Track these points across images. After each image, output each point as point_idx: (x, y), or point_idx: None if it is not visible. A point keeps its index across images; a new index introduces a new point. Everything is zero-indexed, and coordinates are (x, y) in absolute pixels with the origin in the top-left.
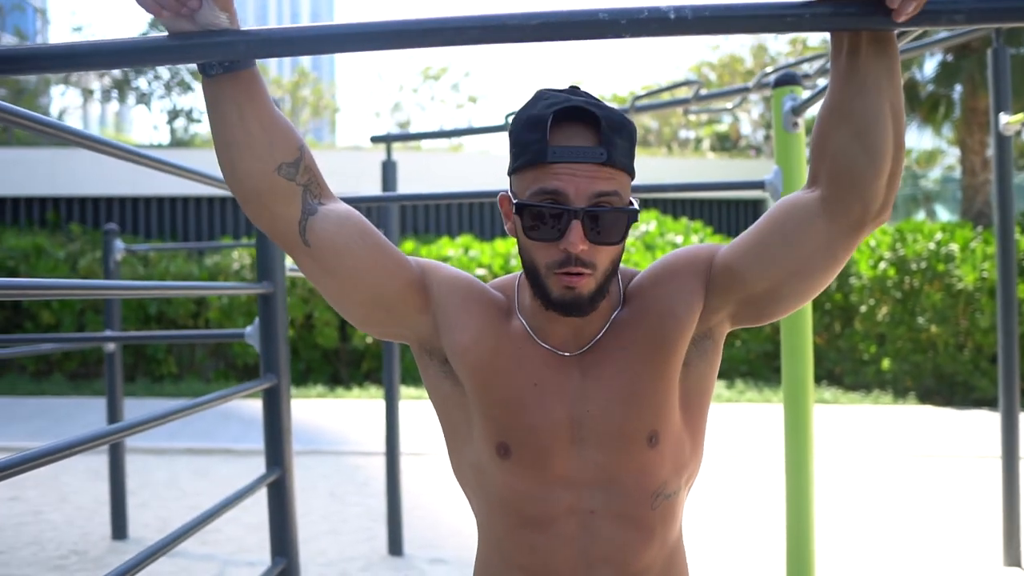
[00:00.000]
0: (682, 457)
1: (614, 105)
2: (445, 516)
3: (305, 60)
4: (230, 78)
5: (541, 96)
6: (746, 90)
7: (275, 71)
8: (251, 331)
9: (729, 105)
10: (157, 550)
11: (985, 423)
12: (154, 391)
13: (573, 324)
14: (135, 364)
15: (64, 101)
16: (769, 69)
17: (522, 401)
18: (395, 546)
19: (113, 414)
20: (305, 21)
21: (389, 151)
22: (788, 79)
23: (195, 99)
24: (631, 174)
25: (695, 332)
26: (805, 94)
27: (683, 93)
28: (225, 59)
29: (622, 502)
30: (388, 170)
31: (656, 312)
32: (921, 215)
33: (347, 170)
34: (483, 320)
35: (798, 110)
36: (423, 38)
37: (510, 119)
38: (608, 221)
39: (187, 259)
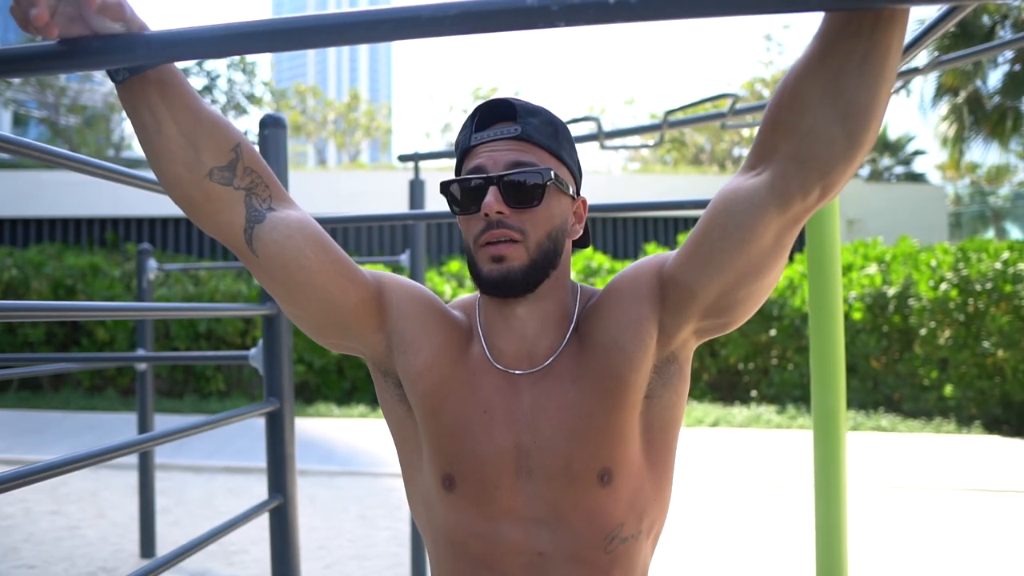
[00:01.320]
0: (642, 498)
1: (653, 121)
2: None
3: (363, 82)
4: (139, 81)
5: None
6: None
7: (333, 93)
8: (255, 353)
9: None
10: (159, 566)
11: None
12: (200, 408)
13: (525, 333)
14: (185, 381)
15: (130, 126)
16: None
17: (470, 429)
18: (418, 573)
19: (143, 431)
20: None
21: (417, 170)
22: None
23: (251, 122)
24: (555, 154)
25: (656, 360)
26: None
27: (720, 107)
28: (126, 65)
29: (572, 543)
30: (415, 189)
31: (603, 346)
32: (990, 233)
33: (399, 189)
34: (440, 343)
35: None
36: (333, 36)
37: None
38: (523, 183)
39: (236, 278)
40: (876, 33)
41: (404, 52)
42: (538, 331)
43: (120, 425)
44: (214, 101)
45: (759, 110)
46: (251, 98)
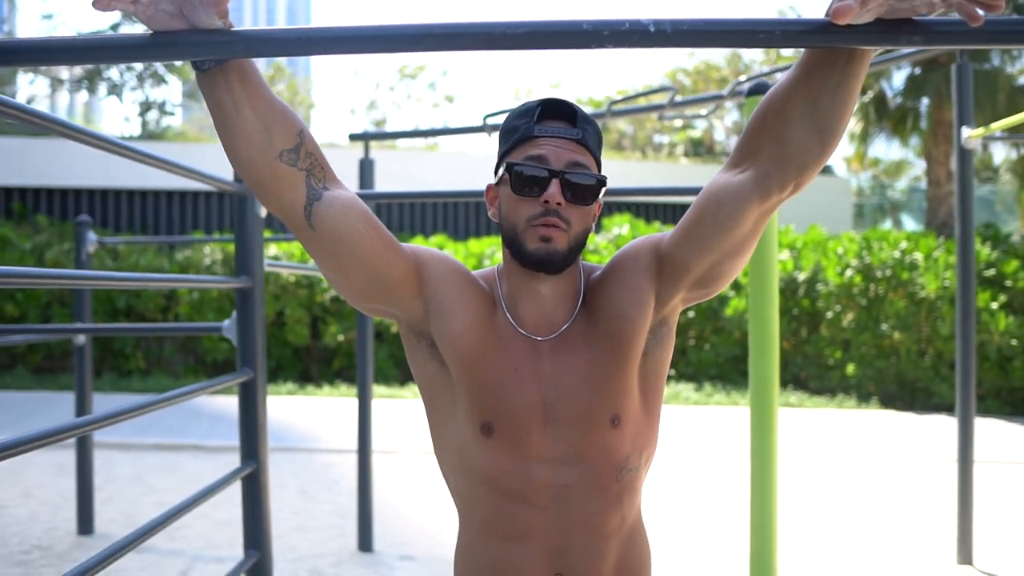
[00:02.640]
0: (642, 436)
1: (590, 109)
2: (415, 514)
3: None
4: (220, 69)
5: (528, 103)
6: (720, 97)
7: None
8: (228, 325)
9: (703, 112)
10: (126, 544)
11: (944, 428)
12: (121, 386)
13: (545, 305)
14: (102, 359)
15: (32, 89)
16: (743, 78)
17: (504, 385)
18: (365, 543)
19: (82, 408)
20: (281, 21)
21: (367, 149)
22: (761, 88)
23: (168, 92)
24: (599, 163)
25: (652, 323)
26: None
27: (658, 99)
28: (224, 57)
29: (591, 475)
30: (365, 168)
31: (611, 313)
32: (888, 224)
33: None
34: (473, 310)
35: None
36: (416, 43)
37: (488, 120)
38: (581, 184)
39: (158, 253)
40: (849, 66)
41: (324, 20)
42: (555, 304)
43: (37, 405)
44: (130, 68)
45: (695, 103)
46: (170, 68)
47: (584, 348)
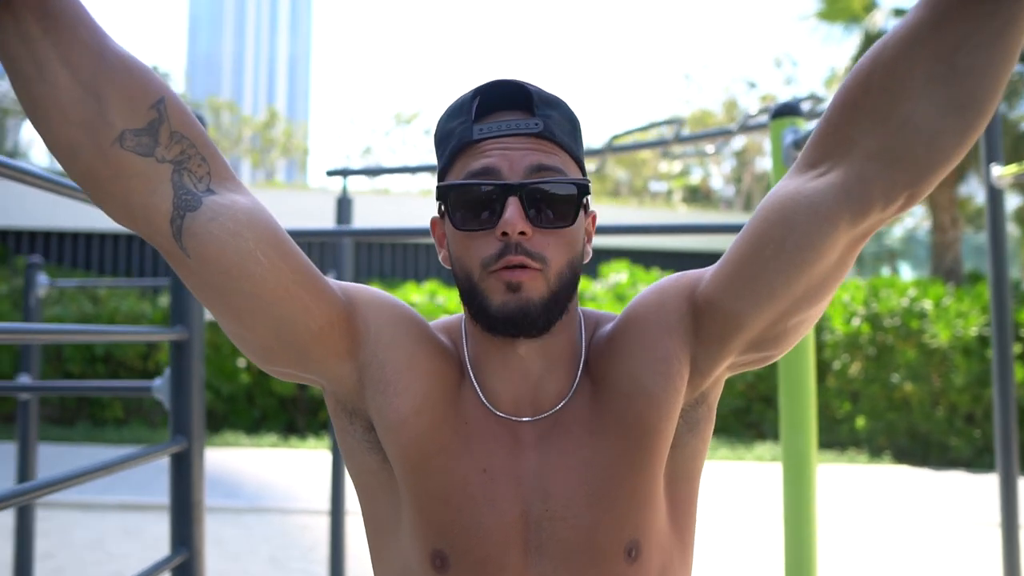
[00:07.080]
0: (671, 568)
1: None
2: None
3: (280, 100)
4: (6, 7)
5: (463, 96)
6: (728, 132)
7: (249, 109)
8: (160, 384)
9: (710, 149)
10: None
11: (962, 484)
12: (94, 436)
13: (528, 372)
14: (77, 407)
15: (32, 132)
16: (754, 111)
17: (467, 493)
18: None
19: (24, 471)
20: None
21: (345, 187)
22: (789, 110)
23: None
24: (576, 159)
25: (685, 402)
26: (808, 126)
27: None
28: None
29: None
30: (343, 206)
31: (625, 389)
32: (886, 271)
33: (315, 210)
34: (430, 382)
35: (800, 144)
36: None
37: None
38: (553, 196)
39: (140, 298)
40: (1017, 2)
41: (324, 71)
42: (543, 372)
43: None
44: None
45: (702, 139)
46: None
47: (587, 439)
